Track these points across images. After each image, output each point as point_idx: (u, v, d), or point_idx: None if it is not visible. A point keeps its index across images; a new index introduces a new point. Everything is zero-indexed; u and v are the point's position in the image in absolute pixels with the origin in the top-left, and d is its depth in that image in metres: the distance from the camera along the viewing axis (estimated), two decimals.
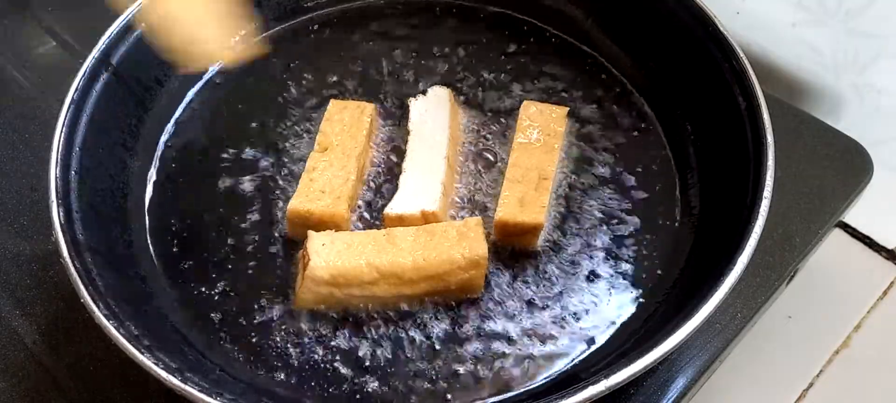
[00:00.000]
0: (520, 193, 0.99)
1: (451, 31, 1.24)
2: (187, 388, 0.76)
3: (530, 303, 0.95)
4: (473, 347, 0.91)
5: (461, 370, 0.90)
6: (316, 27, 1.26)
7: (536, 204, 0.98)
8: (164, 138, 1.11)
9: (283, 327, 0.93)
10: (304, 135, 1.11)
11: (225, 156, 1.09)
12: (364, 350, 0.91)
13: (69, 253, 0.85)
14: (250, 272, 0.98)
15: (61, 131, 0.95)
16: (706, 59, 1.06)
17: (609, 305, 0.95)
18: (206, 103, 1.16)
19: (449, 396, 0.88)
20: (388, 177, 1.06)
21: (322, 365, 0.90)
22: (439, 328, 0.93)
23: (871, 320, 1.15)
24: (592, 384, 0.76)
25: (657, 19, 1.13)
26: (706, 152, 1.06)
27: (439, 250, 0.91)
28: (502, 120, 1.12)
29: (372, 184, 1.06)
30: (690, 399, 0.96)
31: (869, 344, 1.13)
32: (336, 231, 0.94)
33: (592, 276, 0.97)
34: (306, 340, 0.92)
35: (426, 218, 0.97)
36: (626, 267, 0.98)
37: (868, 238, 1.23)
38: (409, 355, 0.91)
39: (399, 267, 0.90)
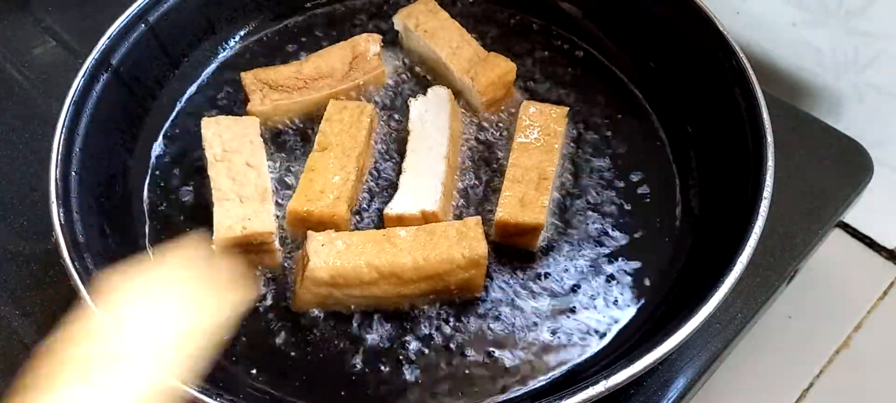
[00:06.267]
0: (520, 193, 0.99)
1: None
2: (187, 389, 0.76)
3: (530, 303, 0.95)
4: (473, 347, 0.91)
5: (461, 370, 0.90)
6: (315, 26, 1.26)
7: (537, 204, 0.98)
8: (163, 138, 1.11)
9: (283, 328, 0.93)
10: (304, 134, 1.10)
11: None
12: (364, 350, 0.91)
13: (69, 254, 0.85)
14: None
15: (61, 131, 0.95)
16: (706, 59, 1.06)
17: (609, 305, 0.95)
18: (205, 103, 1.15)
19: (449, 396, 0.88)
20: (388, 177, 1.06)
21: (321, 366, 0.90)
22: (439, 328, 0.93)
23: (871, 320, 1.15)
24: (592, 384, 0.76)
25: (657, 19, 1.13)
26: (706, 152, 1.05)
27: (439, 250, 0.91)
28: (502, 120, 1.12)
29: (372, 184, 1.05)
30: (690, 399, 0.96)
31: (869, 344, 1.13)
32: (336, 231, 0.94)
33: (592, 276, 0.97)
34: (305, 341, 0.92)
35: (426, 218, 0.97)
36: (626, 267, 0.98)
37: (868, 238, 1.23)
38: (409, 355, 0.91)
39: (399, 267, 0.90)
